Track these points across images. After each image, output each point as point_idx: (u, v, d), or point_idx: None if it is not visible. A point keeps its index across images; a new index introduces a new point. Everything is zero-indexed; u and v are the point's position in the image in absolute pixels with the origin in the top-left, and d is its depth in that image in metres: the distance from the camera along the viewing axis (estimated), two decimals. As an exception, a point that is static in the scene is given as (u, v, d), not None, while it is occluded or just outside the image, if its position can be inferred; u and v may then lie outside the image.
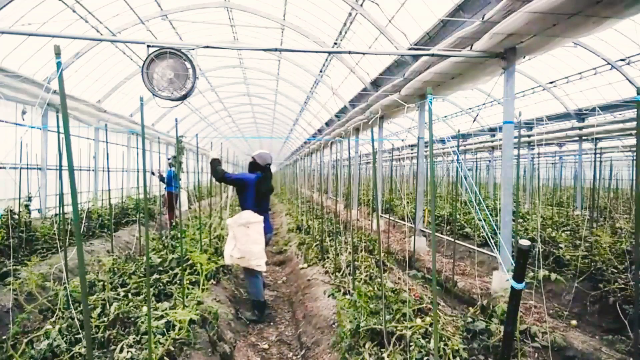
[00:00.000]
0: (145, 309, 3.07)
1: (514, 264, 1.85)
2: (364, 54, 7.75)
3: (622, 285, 4.04)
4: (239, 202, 4.65)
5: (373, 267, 4.66)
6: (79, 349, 2.63)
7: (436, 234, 7.68)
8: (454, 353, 2.57)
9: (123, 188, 13.56)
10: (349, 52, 5.92)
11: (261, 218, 4.46)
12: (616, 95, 9.49)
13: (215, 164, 4.53)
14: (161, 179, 9.53)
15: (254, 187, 4.51)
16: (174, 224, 8.12)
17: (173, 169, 9.03)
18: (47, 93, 8.14)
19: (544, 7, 3.79)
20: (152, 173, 9.87)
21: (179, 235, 5.26)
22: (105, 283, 3.42)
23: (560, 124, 11.81)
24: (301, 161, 21.50)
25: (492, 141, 14.13)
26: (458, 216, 8.52)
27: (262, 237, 4.46)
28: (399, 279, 4.34)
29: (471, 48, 5.06)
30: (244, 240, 4.34)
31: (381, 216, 10.01)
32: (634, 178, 3.05)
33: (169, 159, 9.71)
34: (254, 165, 4.70)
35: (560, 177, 15.50)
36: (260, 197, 4.57)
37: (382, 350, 2.71)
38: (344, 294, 4.09)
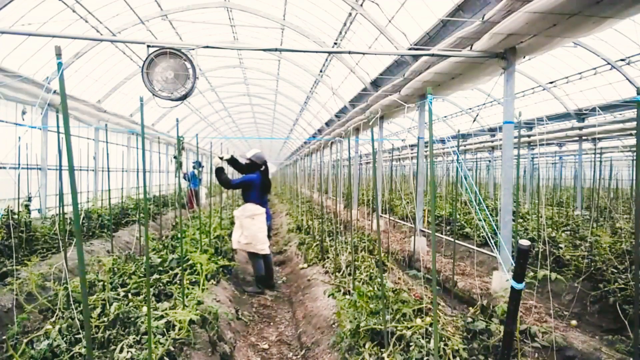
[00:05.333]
0: (145, 309, 3.06)
1: (514, 264, 1.85)
2: (364, 54, 7.76)
3: (622, 285, 4.04)
4: (243, 196, 5.39)
5: (373, 267, 4.66)
6: (79, 349, 2.63)
7: (436, 234, 7.68)
8: (454, 353, 2.57)
9: (123, 188, 13.56)
10: (349, 52, 5.93)
11: (264, 210, 5.30)
12: (616, 95, 9.49)
13: (219, 172, 5.18)
14: (184, 177, 11.34)
15: (259, 185, 5.25)
16: (194, 213, 9.54)
17: (195, 170, 11.02)
18: (47, 93, 8.14)
19: (544, 7, 3.79)
20: (185, 178, 11.71)
21: (179, 235, 5.26)
22: (105, 283, 3.42)
23: (560, 124, 11.81)
24: (301, 161, 21.50)
25: (492, 141, 14.13)
26: (458, 216, 8.52)
27: (265, 226, 5.32)
28: (399, 279, 4.34)
29: (471, 48, 5.07)
30: (252, 229, 5.16)
31: (381, 216, 10.01)
32: (634, 178, 3.05)
33: (193, 162, 11.79)
34: (251, 165, 5.35)
35: (560, 177, 15.50)
36: (263, 191, 5.35)
37: (382, 350, 2.71)
38: (344, 294, 4.09)
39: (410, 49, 7.41)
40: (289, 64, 13.79)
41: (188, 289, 3.88)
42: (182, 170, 11.70)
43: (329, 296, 4.17)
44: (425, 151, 7.45)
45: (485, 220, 6.31)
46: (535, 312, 4.25)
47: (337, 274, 4.89)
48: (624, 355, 3.25)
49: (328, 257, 5.67)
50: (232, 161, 5.49)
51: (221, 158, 5.28)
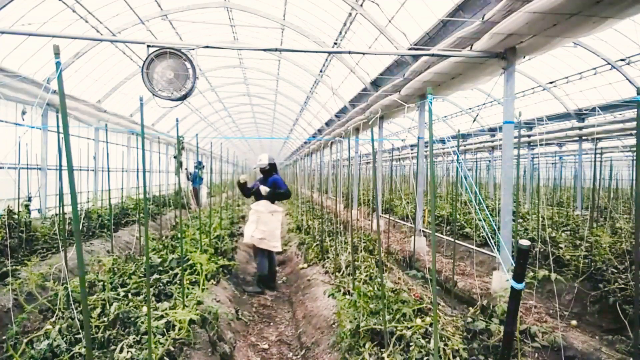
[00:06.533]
0: (145, 309, 3.06)
1: (514, 264, 1.85)
2: (364, 54, 7.75)
3: (622, 285, 4.04)
4: (255, 196, 5.64)
5: (373, 267, 4.65)
6: (79, 349, 2.63)
7: (436, 234, 7.68)
8: (454, 353, 2.57)
9: (123, 188, 13.56)
10: (349, 52, 5.93)
11: (282, 209, 5.57)
12: (616, 95, 9.49)
13: (242, 187, 5.67)
14: (187, 177, 11.94)
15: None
16: (194, 213, 9.92)
17: (197, 170, 11.72)
18: (47, 93, 8.14)
19: (544, 7, 3.79)
20: (187, 177, 12.32)
21: (179, 235, 5.26)
22: (105, 283, 3.42)
23: (560, 124, 11.81)
24: (301, 161, 21.49)
25: (492, 141, 14.13)
26: (458, 216, 8.52)
27: (280, 224, 5.51)
28: (399, 279, 4.34)
29: (471, 48, 5.06)
30: (271, 225, 5.31)
31: (381, 216, 10.01)
32: (634, 178, 3.05)
33: (195, 162, 12.38)
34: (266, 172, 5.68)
35: (560, 177, 15.50)
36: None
37: (382, 350, 2.71)
38: (344, 294, 4.09)
39: (410, 49, 7.41)
40: (289, 64, 13.79)
41: (188, 289, 3.88)
42: (187, 170, 11.83)
43: (329, 296, 4.17)
44: (425, 151, 7.45)
45: (485, 220, 6.31)
46: (535, 312, 4.25)
47: (337, 274, 4.89)
48: (624, 355, 3.25)
49: (328, 257, 5.67)
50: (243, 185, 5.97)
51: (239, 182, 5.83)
